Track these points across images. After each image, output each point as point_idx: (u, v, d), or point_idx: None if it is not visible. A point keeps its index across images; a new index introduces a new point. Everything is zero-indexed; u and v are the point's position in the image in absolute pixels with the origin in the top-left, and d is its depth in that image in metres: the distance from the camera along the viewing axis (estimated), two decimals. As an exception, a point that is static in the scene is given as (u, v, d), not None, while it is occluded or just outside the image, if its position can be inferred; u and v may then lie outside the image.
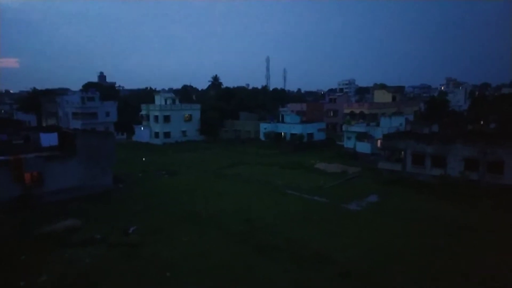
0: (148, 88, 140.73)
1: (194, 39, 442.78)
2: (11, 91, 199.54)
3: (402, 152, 41.92)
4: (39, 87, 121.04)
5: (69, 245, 23.16)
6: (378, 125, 55.91)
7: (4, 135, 41.03)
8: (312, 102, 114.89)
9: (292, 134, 66.95)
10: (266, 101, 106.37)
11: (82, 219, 27.49)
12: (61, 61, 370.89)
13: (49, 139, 36.04)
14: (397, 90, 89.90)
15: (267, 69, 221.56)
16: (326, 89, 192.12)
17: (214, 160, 53.04)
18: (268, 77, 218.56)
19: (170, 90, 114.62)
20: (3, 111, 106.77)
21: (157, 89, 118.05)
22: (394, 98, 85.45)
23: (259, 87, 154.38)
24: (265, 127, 71.36)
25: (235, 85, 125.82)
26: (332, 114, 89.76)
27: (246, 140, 72.85)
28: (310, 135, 67.17)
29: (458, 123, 58.69)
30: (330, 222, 27.62)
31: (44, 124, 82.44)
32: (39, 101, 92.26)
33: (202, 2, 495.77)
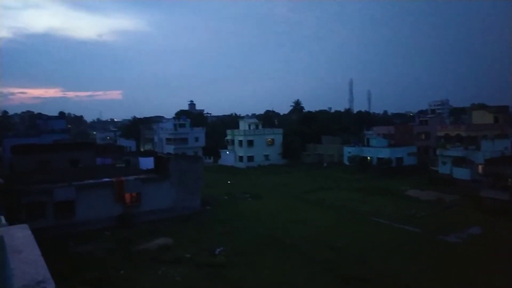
0: (233, 114, 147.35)
1: (276, 64, 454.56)
2: (115, 120, 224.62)
3: (510, 179, 37.17)
4: (138, 116, 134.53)
5: (162, 262, 24.58)
6: (478, 148, 50.75)
7: (108, 159, 46.21)
8: (400, 124, 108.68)
9: (379, 159, 63.79)
10: (350, 124, 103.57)
11: (173, 239, 29.12)
12: (157, 92, 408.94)
13: (146, 163, 39.40)
14: (500, 110, 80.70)
15: (350, 91, 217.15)
16: (415, 111, 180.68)
17: (296, 184, 52.72)
18: (351, 100, 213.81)
19: (253, 115, 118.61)
20: (108, 137, 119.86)
21: (241, 115, 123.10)
22: (496, 119, 76.92)
23: (342, 110, 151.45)
24: (349, 151, 69.17)
25: (317, 109, 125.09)
26: (423, 137, 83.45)
27: (329, 164, 71.32)
28: (399, 160, 63.33)
29: None
30: (425, 255, 25.31)
31: (142, 149, 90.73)
32: (138, 128, 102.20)
33: (284, 28, 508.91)
